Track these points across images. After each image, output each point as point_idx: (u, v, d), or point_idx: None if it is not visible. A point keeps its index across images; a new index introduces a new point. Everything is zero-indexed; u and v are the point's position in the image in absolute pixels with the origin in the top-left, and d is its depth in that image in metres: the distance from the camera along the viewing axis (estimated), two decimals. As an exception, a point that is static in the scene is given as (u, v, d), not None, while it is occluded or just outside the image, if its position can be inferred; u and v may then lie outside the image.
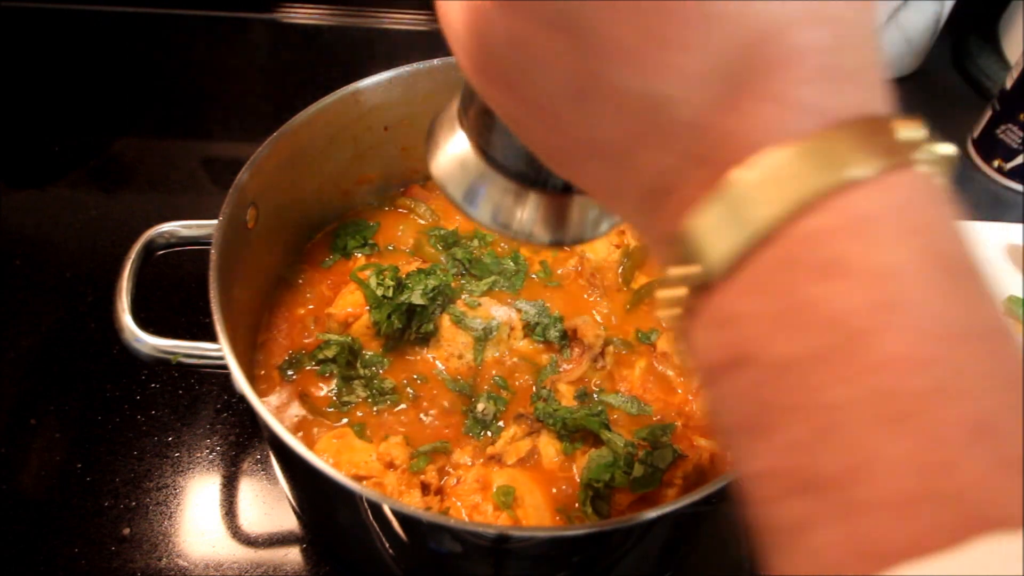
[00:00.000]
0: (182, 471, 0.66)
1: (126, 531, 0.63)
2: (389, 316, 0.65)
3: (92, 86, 0.99)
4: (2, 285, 0.78)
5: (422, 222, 0.77)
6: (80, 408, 0.69)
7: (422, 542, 0.51)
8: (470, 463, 0.60)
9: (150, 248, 0.58)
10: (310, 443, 0.61)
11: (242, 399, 0.50)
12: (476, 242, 0.74)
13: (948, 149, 0.24)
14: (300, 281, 0.71)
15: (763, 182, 0.22)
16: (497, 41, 0.25)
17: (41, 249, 0.81)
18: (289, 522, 0.64)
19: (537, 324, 0.67)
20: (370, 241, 0.74)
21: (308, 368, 0.65)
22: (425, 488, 0.58)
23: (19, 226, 0.83)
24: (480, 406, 0.63)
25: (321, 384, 0.65)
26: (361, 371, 0.65)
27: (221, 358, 0.51)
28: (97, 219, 0.84)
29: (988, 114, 0.96)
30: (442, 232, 0.75)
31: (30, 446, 0.67)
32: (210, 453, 0.67)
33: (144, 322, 0.54)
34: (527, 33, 0.24)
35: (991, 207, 0.94)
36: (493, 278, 0.71)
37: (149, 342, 0.54)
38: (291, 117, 0.65)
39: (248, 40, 1.09)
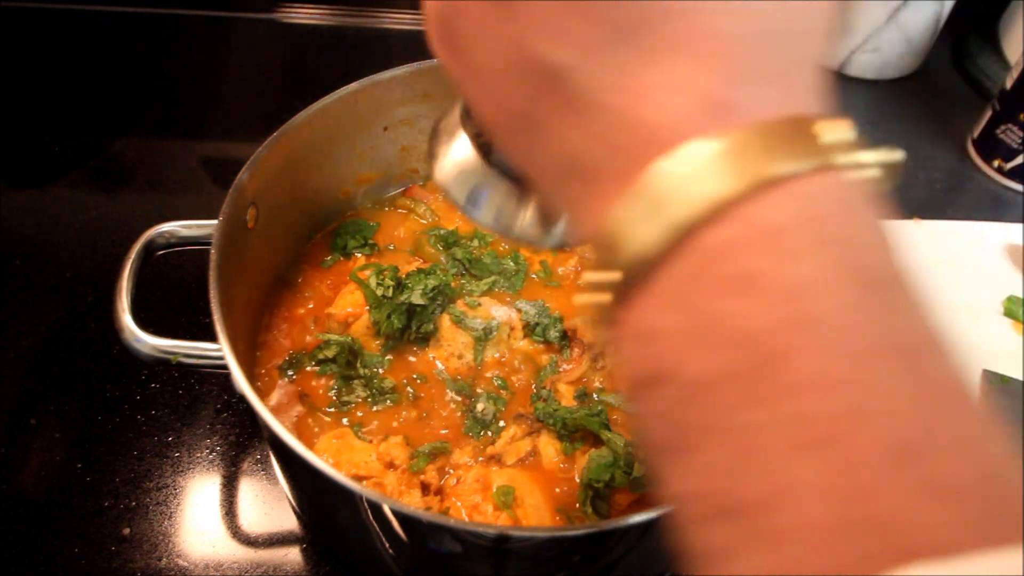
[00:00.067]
0: (182, 471, 0.66)
1: (126, 531, 0.63)
2: (389, 316, 0.65)
3: (92, 86, 0.99)
4: (2, 285, 0.78)
5: (422, 222, 0.77)
6: (80, 408, 0.69)
7: (422, 542, 0.51)
8: (470, 463, 0.60)
9: (150, 248, 0.58)
10: (310, 443, 0.61)
11: (242, 399, 0.50)
12: (476, 242, 0.74)
13: (887, 154, 0.23)
14: (300, 281, 0.71)
15: (676, 181, 0.22)
16: (447, 10, 0.26)
17: (41, 249, 0.81)
18: (289, 522, 0.64)
19: (537, 324, 0.67)
20: (370, 241, 0.74)
21: (308, 368, 0.65)
22: (425, 488, 0.58)
23: (19, 226, 0.83)
24: (480, 406, 0.63)
25: (321, 384, 0.65)
26: (361, 371, 0.65)
27: (221, 358, 0.51)
28: (97, 219, 0.84)
29: (988, 114, 0.96)
30: (442, 232, 0.75)
31: (30, 446, 0.67)
32: (210, 453, 0.67)
33: (144, 322, 0.54)
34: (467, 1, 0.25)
35: (991, 207, 0.94)
36: (493, 278, 0.71)
37: (149, 342, 0.54)
38: (291, 117, 0.65)
39: (248, 40, 1.09)
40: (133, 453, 0.67)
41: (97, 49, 1.04)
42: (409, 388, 0.65)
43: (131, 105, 0.98)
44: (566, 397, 0.64)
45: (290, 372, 0.65)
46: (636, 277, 0.23)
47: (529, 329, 0.68)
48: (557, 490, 0.60)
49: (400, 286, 0.66)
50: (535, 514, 0.57)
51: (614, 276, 0.23)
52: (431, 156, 0.36)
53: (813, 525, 0.19)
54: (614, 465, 0.58)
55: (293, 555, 0.62)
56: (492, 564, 0.52)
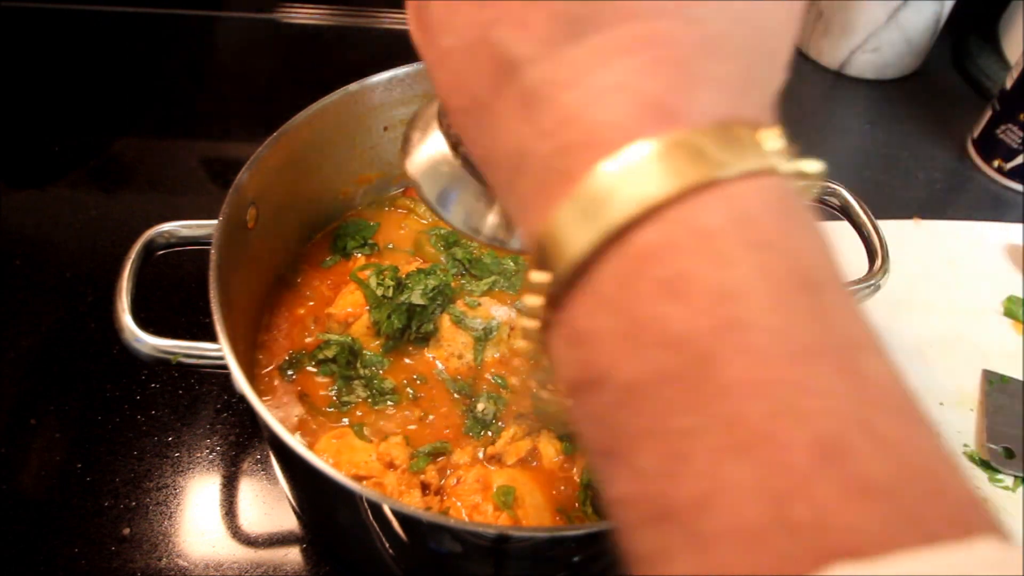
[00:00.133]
0: (182, 471, 0.66)
1: (126, 531, 0.63)
2: (389, 316, 0.65)
3: (92, 86, 0.99)
4: (2, 285, 0.78)
5: (422, 222, 0.77)
6: (80, 408, 0.69)
7: (422, 542, 0.51)
8: (470, 463, 0.60)
9: (150, 248, 0.58)
10: (310, 443, 0.61)
11: (242, 399, 0.50)
12: (476, 242, 0.74)
13: (810, 165, 0.24)
14: (300, 281, 0.71)
15: (611, 183, 0.22)
16: None
17: (41, 249, 0.81)
18: (289, 522, 0.64)
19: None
20: (370, 241, 0.74)
21: (308, 368, 0.65)
22: (425, 488, 0.58)
23: (19, 226, 0.83)
24: (480, 406, 0.63)
25: (321, 384, 0.65)
26: (361, 371, 0.65)
27: (221, 358, 0.51)
28: (97, 219, 0.84)
29: (988, 114, 0.96)
30: (442, 232, 0.75)
31: (30, 446, 0.67)
32: (210, 453, 0.67)
33: (144, 322, 0.54)
34: None
35: (991, 207, 0.94)
36: (493, 278, 0.71)
37: (149, 342, 0.54)
38: (291, 117, 0.65)
39: (248, 40, 1.09)
40: (133, 453, 0.67)
41: (97, 49, 1.04)
42: (409, 388, 0.65)
43: (131, 105, 0.98)
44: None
45: (290, 372, 0.65)
46: (570, 279, 0.23)
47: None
48: (557, 490, 0.60)
49: (400, 286, 0.66)
50: (535, 514, 0.57)
51: (548, 278, 0.23)
52: (405, 149, 0.35)
53: (743, 527, 0.19)
54: (614, 465, 0.58)
55: (293, 555, 0.62)
56: (492, 564, 0.52)
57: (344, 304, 0.68)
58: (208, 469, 0.67)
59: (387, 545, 0.53)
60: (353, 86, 0.69)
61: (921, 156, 0.99)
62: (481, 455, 0.61)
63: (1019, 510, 0.66)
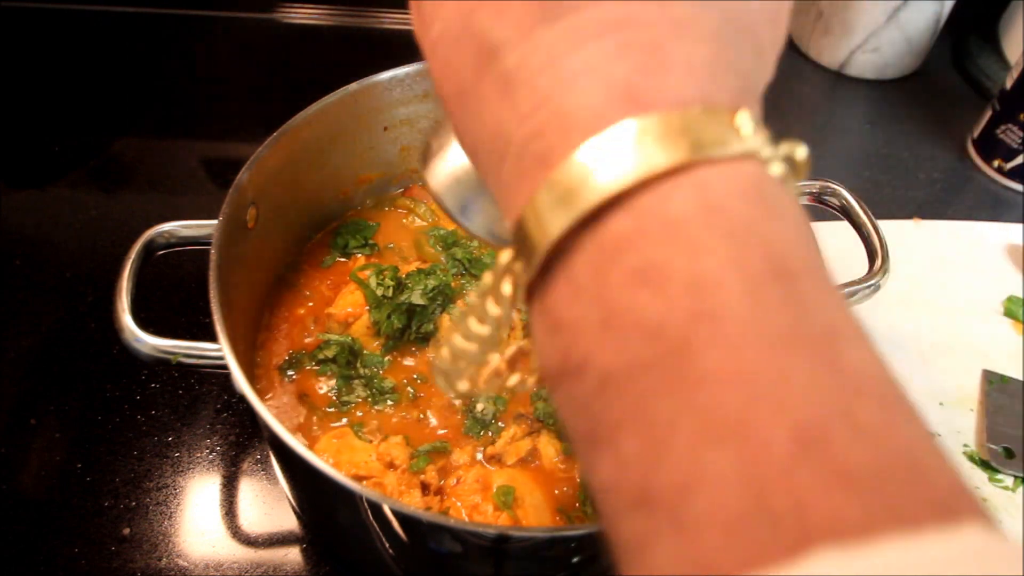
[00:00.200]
0: (182, 471, 0.66)
1: (126, 531, 0.63)
2: (389, 316, 0.65)
3: (92, 86, 0.99)
4: (2, 285, 0.78)
5: (422, 222, 0.77)
6: (80, 408, 0.69)
7: (422, 542, 0.51)
8: (470, 463, 0.60)
9: (150, 248, 0.58)
10: (310, 443, 0.61)
11: (242, 399, 0.50)
12: (476, 242, 0.74)
13: (796, 150, 0.24)
14: (300, 281, 0.71)
15: (583, 169, 0.22)
16: None
17: (41, 249, 0.81)
18: (289, 522, 0.64)
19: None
20: (370, 241, 0.75)
21: (308, 368, 0.65)
22: (425, 488, 0.59)
23: (19, 226, 0.83)
24: (480, 406, 0.63)
25: (321, 384, 0.65)
26: (361, 371, 0.65)
27: (221, 358, 0.51)
28: (97, 219, 0.84)
29: (988, 114, 0.96)
30: (442, 232, 0.75)
31: (30, 446, 0.67)
32: (210, 453, 0.67)
33: (144, 322, 0.54)
34: None
35: (991, 207, 0.94)
36: (493, 278, 0.71)
37: (149, 342, 0.54)
38: (291, 117, 0.65)
39: (248, 40, 1.09)
40: (133, 453, 0.67)
41: (97, 49, 1.04)
42: (409, 388, 0.65)
43: (131, 105, 0.98)
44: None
45: (290, 372, 0.65)
46: (545, 265, 0.23)
47: (529, 329, 0.67)
48: (557, 490, 0.60)
49: (400, 286, 0.66)
50: (535, 514, 0.57)
51: (524, 265, 0.24)
52: (424, 161, 0.35)
53: (724, 513, 0.19)
54: (614, 465, 0.58)
55: (293, 555, 0.62)
56: (492, 564, 0.52)
57: (344, 304, 0.68)
58: (208, 469, 0.67)
59: (387, 545, 0.53)
60: (353, 86, 0.69)
61: (921, 156, 0.99)
62: (481, 455, 0.61)
63: (1019, 510, 0.66)
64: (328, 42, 1.09)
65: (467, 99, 0.26)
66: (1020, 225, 0.89)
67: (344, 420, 0.63)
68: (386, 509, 0.47)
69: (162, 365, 0.55)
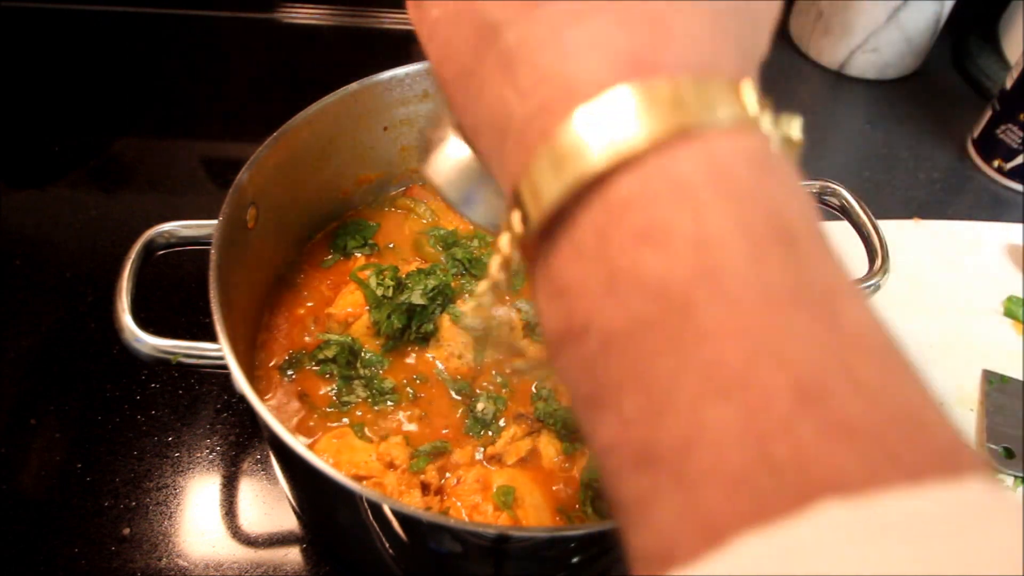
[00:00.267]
0: (182, 471, 0.66)
1: (126, 531, 0.63)
2: (389, 316, 0.65)
3: (92, 86, 0.99)
4: (2, 285, 0.78)
5: (422, 222, 0.77)
6: (80, 408, 0.69)
7: (422, 542, 0.51)
8: (470, 463, 0.60)
9: (150, 248, 0.58)
10: (310, 443, 0.61)
11: (242, 399, 0.50)
12: (476, 242, 0.74)
13: (791, 127, 0.24)
14: (300, 281, 0.71)
15: (586, 133, 0.22)
16: None
17: (41, 249, 0.81)
18: (289, 522, 0.64)
19: (537, 324, 0.67)
20: (370, 241, 0.74)
21: (308, 368, 0.65)
22: (425, 488, 0.58)
23: (19, 226, 0.83)
24: (480, 406, 0.63)
25: (321, 384, 0.65)
26: (361, 371, 0.65)
27: (221, 358, 0.51)
28: (97, 219, 0.84)
29: (988, 114, 0.96)
30: (442, 232, 0.75)
31: (30, 446, 0.67)
32: (210, 453, 0.67)
33: (144, 322, 0.54)
34: None
35: (991, 207, 0.94)
36: (493, 278, 0.71)
37: (149, 342, 0.54)
38: (291, 117, 0.65)
39: (248, 40, 1.09)
40: (133, 453, 0.67)
41: (97, 49, 1.04)
42: (409, 388, 0.65)
43: (131, 105, 0.98)
44: (566, 396, 0.64)
45: (290, 372, 0.65)
46: (545, 229, 0.23)
47: (529, 329, 0.68)
48: (557, 490, 0.60)
49: (400, 286, 0.66)
50: (535, 514, 0.57)
51: (523, 231, 0.24)
52: (424, 152, 0.35)
53: (726, 468, 0.19)
54: (614, 465, 0.58)
55: (293, 555, 0.62)
56: (492, 564, 0.52)
57: (344, 304, 0.68)
58: (208, 469, 0.67)
59: (387, 545, 0.53)
60: (353, 86, 0.69)
61: (921, 156, 0.99)
62: (481, 455, 0.61)
63: (1019, 510, 0.66)
64: (328, 42, 1.09)
65: (468, 80, 0.26)
66: (1020, 225, 0.89)
67: (344, 420, 0.63)
68: (386, 509, 0.47)
69: (162, 365, 0.55)
